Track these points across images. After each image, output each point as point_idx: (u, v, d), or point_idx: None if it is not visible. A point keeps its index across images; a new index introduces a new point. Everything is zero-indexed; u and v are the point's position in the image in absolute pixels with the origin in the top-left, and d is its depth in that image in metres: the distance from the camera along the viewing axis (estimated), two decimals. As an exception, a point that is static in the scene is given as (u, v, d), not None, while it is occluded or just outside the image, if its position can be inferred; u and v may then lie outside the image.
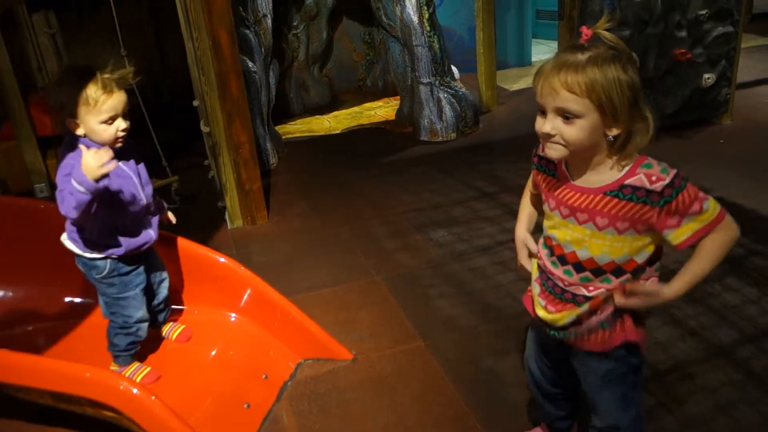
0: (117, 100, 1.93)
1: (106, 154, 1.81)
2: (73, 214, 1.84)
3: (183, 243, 2.41)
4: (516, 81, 6.11)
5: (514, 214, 3.38)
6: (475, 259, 3.09)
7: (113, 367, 2.22)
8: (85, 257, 2.07)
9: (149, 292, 2.26)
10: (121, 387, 1.81)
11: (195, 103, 3.46)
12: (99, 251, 2.06)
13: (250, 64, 4.24)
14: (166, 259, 2.41)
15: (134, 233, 2.11)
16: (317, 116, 5.47)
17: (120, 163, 2.00)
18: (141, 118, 3.80)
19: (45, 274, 2.47)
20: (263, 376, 2.32)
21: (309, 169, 4.40)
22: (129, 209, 2.06)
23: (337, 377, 2.37)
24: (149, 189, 2.12)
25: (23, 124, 4.15)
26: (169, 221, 2.31)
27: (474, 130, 4.79)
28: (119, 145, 1.99)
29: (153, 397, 1.82)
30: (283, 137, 4.89)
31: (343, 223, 3.59)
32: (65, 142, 1.98)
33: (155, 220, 2.19)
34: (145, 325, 2.21)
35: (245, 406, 2.18)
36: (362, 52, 5.89)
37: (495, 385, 2.26)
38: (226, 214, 3.62)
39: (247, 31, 4.27)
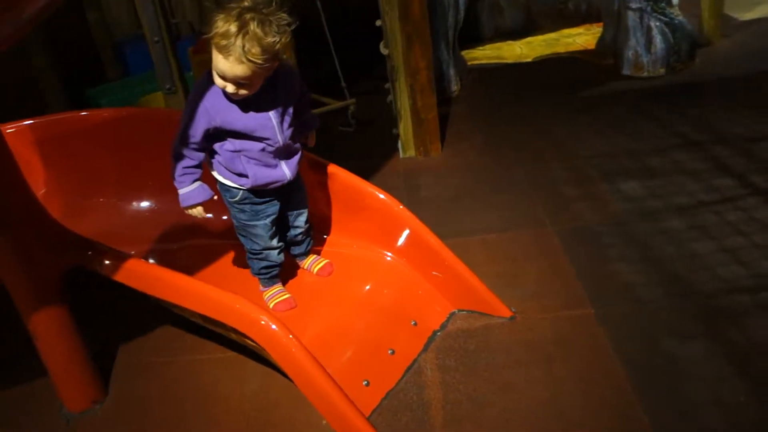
0: (228, 67, 1.72)
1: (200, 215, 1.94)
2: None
3: (342, 174, 2.29)
4: (749, 9, 5.19)
5: (723, 169, 2.95)
6: (669, 219, 2.67)
7: (261, 288, 2.21)
8: (219, 180, 2.01)
9: (284, 223, 2.18)
10: (262, 322, 1.76)
11: (378, 23, 3.30)
12: (227, 179, 2.00)
13: (440, -18, 3.96)
14: (322, 187, 2.31)
15: (265, 170, 1.98)
16: (509, 41, 5.08)
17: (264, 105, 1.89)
18: (323, 37, 3.73)
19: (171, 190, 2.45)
20: (412, 323, 2.19)
21: (492, 100, 4.10)
22: (260, 147, 1.94)
23: (491, 335, 2.17)
24: (289, 132, 1.96)
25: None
26: (308, 143, 2.18)
27: (688, 65, 4.15)
28: (237, 98, 1.83)
29: (290, 336, 1.75)
30: (469, 63, 4.60)
31: (521, 162, 3.28)
32: None
33: (293, 160, 2.03)
34: (274, 252, 2.13)
35: (389, 352, 2.07)
36: (568, -29, 5.33)
37: (672, 374, 1.93)
38: (399, 142, 3.47)
39: (440, -54, 3.97)
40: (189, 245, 2.44)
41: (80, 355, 1.93)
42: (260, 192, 2.02)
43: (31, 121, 2.45)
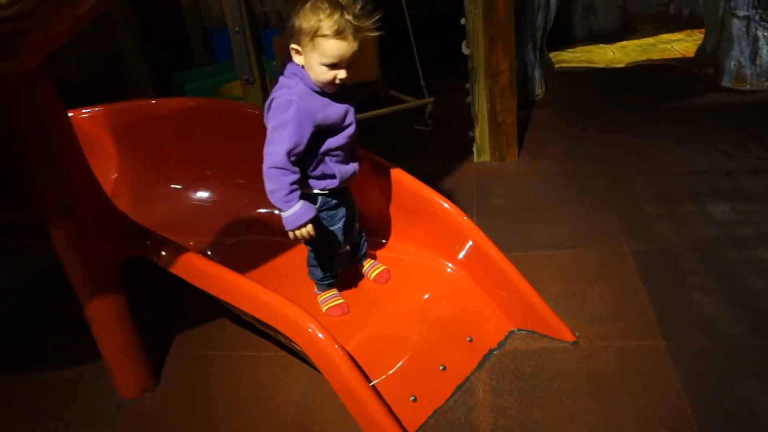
0: (347, 49, 1.76)
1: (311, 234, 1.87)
2: (269, 189, 1.83)
3: (406, 178, 2.22)
4: None
5: (827, 197, 2.70)
6: (760, 249, 2.46)
7: (315, 289, 2.18)
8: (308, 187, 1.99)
9: (348, 226, 2.13)
10: (309, 329, 1.71)
11: (462, 21, 3.20)
12: (309, 188, 1.96)
13: (531, -19, 3.82)
14: (385, 191, 2.25)
15: (345, 166, 1.97)
16: (602, 45, 4.86)
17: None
18: (406, 31, 3.66)
19: (249, 182, 2.46)
20: (468, 339, 2.10)
21: (577, 106, 3.92)
22: (344, 140, 1.92)
23: (550, 359, 2.06)
24: (354, 126, 1.97)
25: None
26: None
27: (796, 80, 3.85)
28: (334, 89, 1.85)
29: (336, 346, 1.70)
30: (557, 66, 4.42)
31: (602, 174, 3.12)
32: (284, 69, 1.87)
33: (356, 150, 2.03)
34: (339, 259, 2.11)
35: (441, 368, 1.99)
36: (671, -27, 5.05)
37: (747, 420, 1.76)
38: (474, 145, 3.37)
39: (533, -57, 3.82)
40: (249, 240, 2.44)
41: (134, 343, 1.95)
42: (334, 193, 1.99)
43: (106, 107, 2.50)
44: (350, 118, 1.93)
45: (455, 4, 3.15)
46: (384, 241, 2.37)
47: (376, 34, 1.80)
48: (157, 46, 4.78)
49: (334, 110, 1.88)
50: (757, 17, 3.80)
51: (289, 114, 1.79)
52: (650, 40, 4.86)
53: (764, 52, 3.78)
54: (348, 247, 2.15)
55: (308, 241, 1.95)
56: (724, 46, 3.93)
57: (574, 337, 2.12)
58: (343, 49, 1.75)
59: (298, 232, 1.89)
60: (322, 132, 1.88)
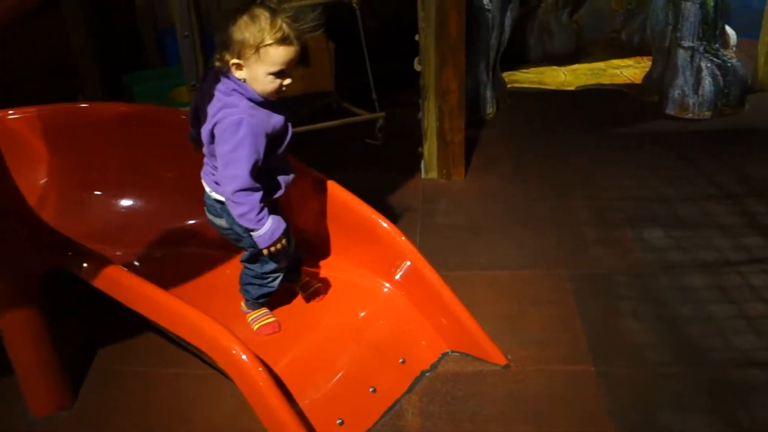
0: (293, 54, 1.76)
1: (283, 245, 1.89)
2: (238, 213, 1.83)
3: (346, 195, 2.19)
4: (811, 56, 4.95)
5: (756, 227, 2.77)
6: (691, 276, 2.51)
7: (243, 306, 2.13)
8: None
9: (289, 240, 2.10)
10: (234, 351, 1.67)
11: (416, 37, 3.20)
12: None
13: (485, 1, 3.83)
14: (322, 207, 2.23)
15: (286, 172, 1.96)
16: (554, 67, 4.91)
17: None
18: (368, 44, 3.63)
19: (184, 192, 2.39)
20: (400, 360, 2.08)
21: (527, 127, 3.95)
22: (283, 148, 1.92)
23: (482, 383, 2.06)
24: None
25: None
26: None
27: (736, 111, 3.93)
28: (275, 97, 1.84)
29: (260, 369, 1.67)
30: (510, 85, 4.46)
31: (546, 196, 3.14)
32: (212, 83, 1.82)
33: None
34: (279, 276, 2.06)
35: (371, 389, 1.97)
36: (624, 1, 5.14)
37: (669, 451, 1.79)
38: (422, 162, 3.37)
39: (489, -36, 3.85)
40: (180, 252, 2.37)
41: (50, 359, 1.87)
42: (271, 207, 1.95)
43: (38, 108, 2.41)
44: (288, 126, 1.93)
45: (416, 20, 3.14)
46: (321, 258, 2.35)
47: (316, 32, 1.80)
48: (109, 46, 4.68)
49: (277, 120, 1.86)
50: (701, 48, 3.90)
51: (242, 133, 1.76)
52: (601, 64, 4.94)
53: (707, 82, 3.87)
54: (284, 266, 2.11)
55: (274, 256, 1.93)
56: (669, 75, 4.01)
57: (506, 360, 2.12)
58: (290, 55, 1.75)
59: (273, 248, 1.87)
60: (268, 143, 1.85)
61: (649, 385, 2.02)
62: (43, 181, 2.39)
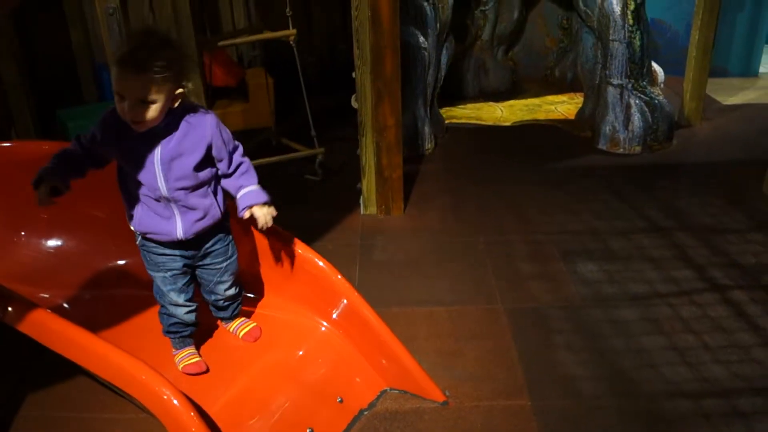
0: (124, 80, 1.67)
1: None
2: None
3: (281, 233, 2.18)
4: (733, 94, 5.21)
5: (685, 260, 2.88)
6: (623, 308, 2.58)
7: (173, 350, 2.07)
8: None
9: (200, 283, 2.07)
10: (165, 396, 1.63)
11: (353, 75, 3.24)
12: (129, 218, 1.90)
13: (421, 40, 3.93)
14: (257, 244, 2.21)
15: (153, 218, 1.86)
16: (491, 103, 5.04)
17: (151, 144, 1.79)
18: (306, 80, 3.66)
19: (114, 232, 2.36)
20: (338, 399, 2.06)
21: (464, 162, 4.03)
22: (146, 192, 1.84)
23: (420, 421, 2.06)
24: (182, 183, 1.83)
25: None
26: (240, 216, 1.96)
27: (665, 146, 4.11)
28: (138, 129, 1.75)
29: (192, 414, 1.63)
30: (447, 121, 4.55)
31: (482, 231, 3.20)
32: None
33: (190, 219, 1.88)
34: (181, 310, 1.99)
35: (309, 431, 1.94)
36: (557, 38, 5.32)
37: (600, 484, 1.82)
38: (361, 198, 3.39)
39: (425, 3, 3.94)
40: (111, 294, 2.31)
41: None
42: (158, 244, 1.90)
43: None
44: (151, 178, 1.90)
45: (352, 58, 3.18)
46: (257, 296, 2.32)
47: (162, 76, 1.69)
48: (43, 80, 4.57)
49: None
50: (629, 86, 4.06)
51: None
52: (536, 100, 5.09)
53: (636, 118, 4.03)
54: (193, 305, 2.04)
55: None
56: (600, 111, 4.16)
57: (444, 397, 2.13)
58: (121, 80, 1.68)
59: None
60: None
61: (585, 418, 2.05)
62: (-34, 222, 2.31)
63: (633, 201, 3.45)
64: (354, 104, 3.28)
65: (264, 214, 1.92)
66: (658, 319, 2.50)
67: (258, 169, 3.21)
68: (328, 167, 3.81)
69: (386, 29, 3.01)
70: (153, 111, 1.70)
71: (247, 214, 1.92)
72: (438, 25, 4.05)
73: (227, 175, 1.93)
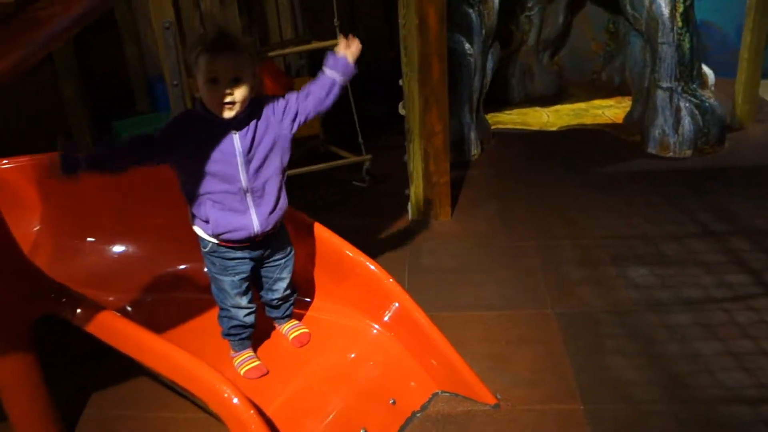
0: (217, 60, 1.74)
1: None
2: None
3: (332, 238, 2.22)
4: (786, 94, 5.10)
5: (740, 264, 2.83)
6: (677, 313, 2.55)
7: (231, 351, 2.13)
8: (194, 228, 1.96)
9: (261, 283, 2.12)
10: (225, 394, 1.69)
11: (400, 82, 3.28)
12: (200, 226, 1.94)
13: (467, 46, 3.95)
14: (309, 249, 2.25)
15: (228, 216, 1.88)
16: (537, 108, 5.03)
17: (231, 136, 1.84)
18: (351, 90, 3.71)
19: (174, 238, 2.42)
20: (391, 401, 2.09)
21: (511, 167, 4.03)
22: (224, 187, 1.87)
23: (471, 423, 2.07)
24: (263, 172, 1.88)
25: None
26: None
27: (716, 149, 4.05)
28: (229, 114, 1.80)
29: (252, 412, 1.68)
30: (493, 126, 4.55)
31: (531, 236, 3.20)
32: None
33: (265, 210, 1.92)
34: (242, 312, 2.04)
35: (361, 431, 1.98)
36: (602, 42, 5.28)
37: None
38: (409, 204, 3.42)
39: (470, 10, 3.97)
40: (172, 297, 2.40)
41: (43, 404, 1.87)
42: (230, 248, 1.95)
43: (31, 158, 2.45)
44: (232, 170, 1.94)
45: (399, 66, 3.23)
46: (309, 300, 2.37)
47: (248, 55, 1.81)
48: (99, 94, 4.75)
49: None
50: (679, 89, 4.01)
51: None
52: (583, 105, 5.06)
53: (686, 122, 3.98)
54: (253, 306, 2.09)
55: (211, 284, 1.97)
56: (649, 115, 4.12)
57: (495, 400, 2.14)
58: (216, 63, 1.77)
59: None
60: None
61: (639, 423, 2.04)
62: (36, 229, 2.42)
63: (684, 205, 3.40)
64: (401, 111, 3.32)
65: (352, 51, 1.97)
66: (714, 324, 2.46)
67: (306, 176, 3.29)
68: (375, 174, 3.86)
69: (433, 36, 3.04)
70: (244, 90, 1.78)
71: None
72: (483, 31, 4.07)
73: (309, 94, 1.96)
